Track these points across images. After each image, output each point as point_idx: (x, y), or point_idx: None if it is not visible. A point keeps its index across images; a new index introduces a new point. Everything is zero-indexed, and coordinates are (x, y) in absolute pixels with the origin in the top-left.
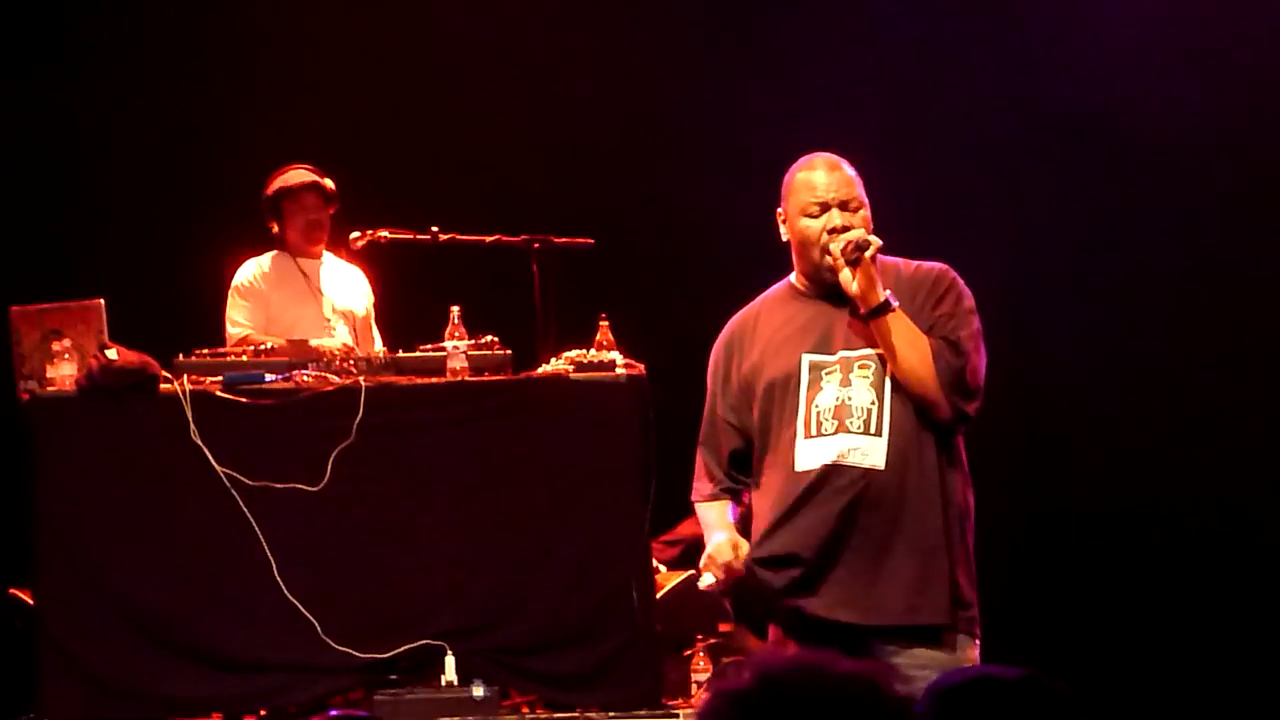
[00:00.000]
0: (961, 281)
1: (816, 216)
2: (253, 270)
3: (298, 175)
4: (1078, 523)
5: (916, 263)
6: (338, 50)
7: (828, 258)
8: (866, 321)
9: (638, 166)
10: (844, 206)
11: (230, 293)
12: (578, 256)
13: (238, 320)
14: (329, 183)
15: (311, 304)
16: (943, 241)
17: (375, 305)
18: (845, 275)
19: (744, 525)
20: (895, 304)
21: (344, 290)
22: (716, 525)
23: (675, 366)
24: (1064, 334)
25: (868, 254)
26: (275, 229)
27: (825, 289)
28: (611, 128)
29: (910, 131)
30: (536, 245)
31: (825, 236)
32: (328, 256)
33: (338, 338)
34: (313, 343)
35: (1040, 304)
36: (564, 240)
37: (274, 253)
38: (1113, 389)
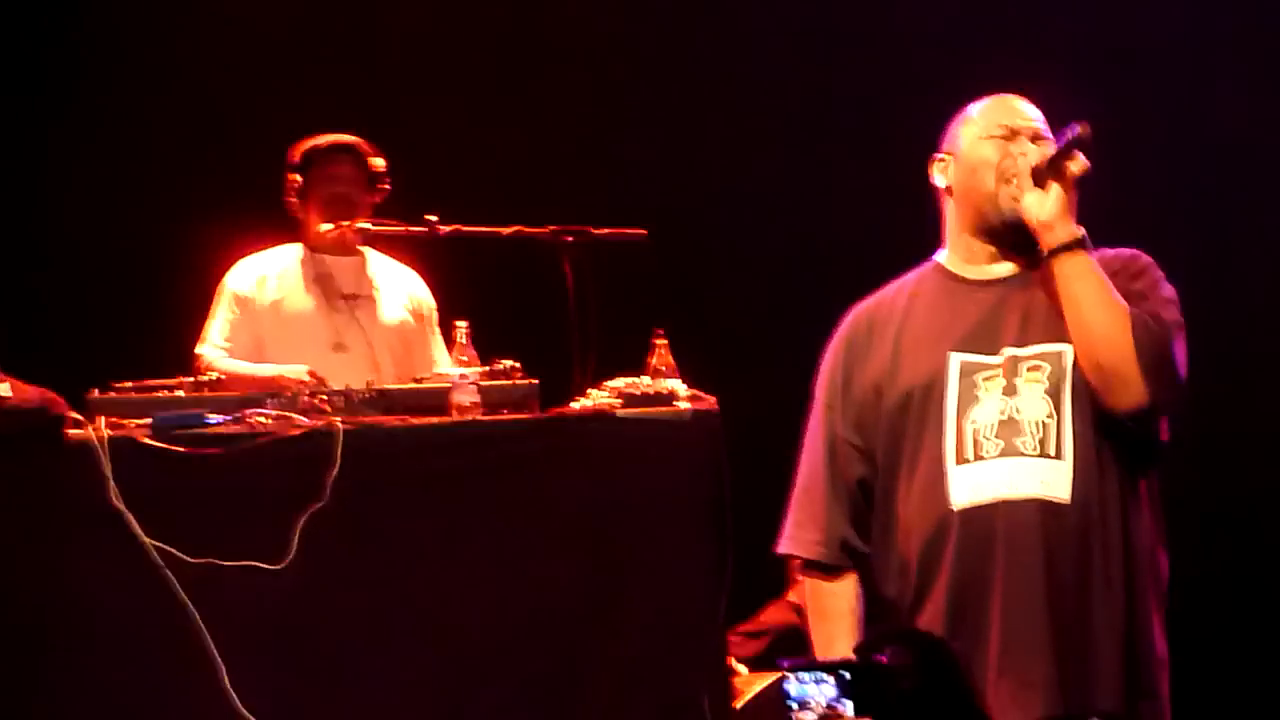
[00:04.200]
0: (1161, 271)
1: (1003, 139)
2: (252, 271)
3: (332, 137)
4: None
5: (1104, 250)
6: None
7: (1006, 188)
8: (1048, 259)
9: (705, 139)
10: (1035, 140)
11: (216, 297)
12: (626, 254)
13: (213, 336)
14: (377, 160)
15: (323, 316)
16: None
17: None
18: (1031, 199)
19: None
20: (1090, 246)
21: (378, 296)
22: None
23: (756, 398)
24: None
25: (1074, 168)
26: (296, 210)
27: (991, 249)
28: (669, 90)
29: None
30: (570, 239)
31: (1009, 161)
32: (371, 254)
33: (351, 359)
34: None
35: None
36: (607, 232)
37: (289, 246)
38: None
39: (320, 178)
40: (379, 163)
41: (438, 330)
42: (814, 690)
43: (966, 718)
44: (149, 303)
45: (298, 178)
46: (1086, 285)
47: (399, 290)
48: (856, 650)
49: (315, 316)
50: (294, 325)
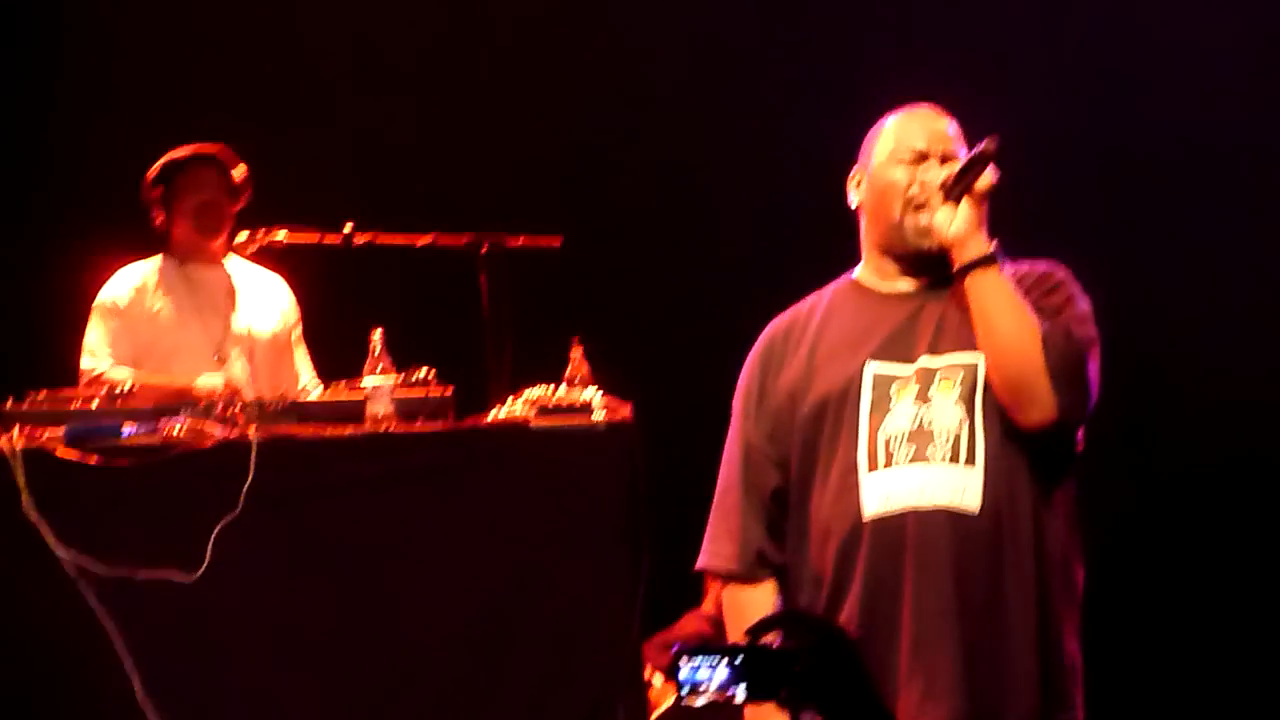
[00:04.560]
0: (1078, 284)
1: (911, 164)
2: (125, 282)
3: (191, 148)
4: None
5: (1022, 262)
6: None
7: (912, 217)
8: (961, 278)
9: (622, 146)
10: (945, 161)
11: (92, 313)
12: (541, 262)
13: (95, 349)
14: (239, 168)
15: (200, 326)
16: None
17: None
18: (942, 215)
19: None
20: (1002, 260)
21: (250, 306)
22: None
23: (672, 408)
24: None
25: (980, 184)
26: (160, 222)
27: (902, 267)
28: (587, 97)
29: None
30: (486, 248)
31: (916, 189)
32: (236, 262)
33: (234, 371)
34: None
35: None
36: (523, 241)
37: (157, 258)
38: None
39: (185, 188)
40: (240, 170)
41: (302, 341)
42: (706, 674)
43: (858, 697)
44: (44, 316)
45: (161, 190)
46: (997, 301)
47: (270, 299)
48: (749, 633)
49: (194, 327)
50: (173, 336)
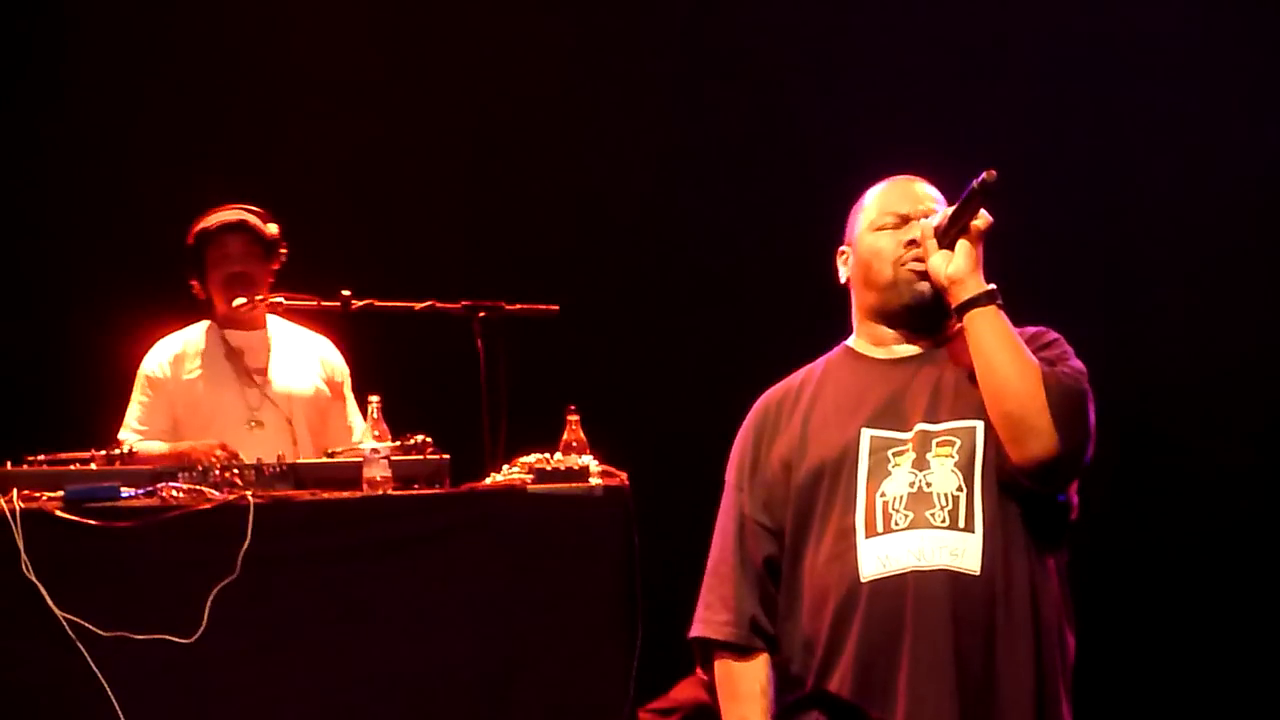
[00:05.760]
0: (1070, 346)
1: (894, 229)
2: (164, 352)
3: (221, 215)
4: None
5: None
6: (235, 73)
7: (903, 271)
8: (959, 314)
9: (619, 216)
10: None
11: (135, 383)
12: (538, 329)
13: (131, 423)
14: (271, 227)
15: (235, 392)
16: None
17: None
18: (937, 260)
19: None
20: (1000, 301)
21: (289, 368)
22: None
23: (666, 475)
24: None
25: (976, 223)
26: (199, 291)
27: (897, 332)
28: (584, 163)
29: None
30: (483, 314)
31: (903, 250)
32: (278, 324)
33: (268, 435)
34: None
35: None
36: (520, 307)
37: (200, 325)
38: None
39: (215, 258)
40: (273, 229)
41: (351, 396)
42: None
43: None
44: (65, 379)
45: (196, 260)
46: (997, 338)
47: (310, 359)
48: (778, 718)
49: (229, 394)
50: (209, 404)
